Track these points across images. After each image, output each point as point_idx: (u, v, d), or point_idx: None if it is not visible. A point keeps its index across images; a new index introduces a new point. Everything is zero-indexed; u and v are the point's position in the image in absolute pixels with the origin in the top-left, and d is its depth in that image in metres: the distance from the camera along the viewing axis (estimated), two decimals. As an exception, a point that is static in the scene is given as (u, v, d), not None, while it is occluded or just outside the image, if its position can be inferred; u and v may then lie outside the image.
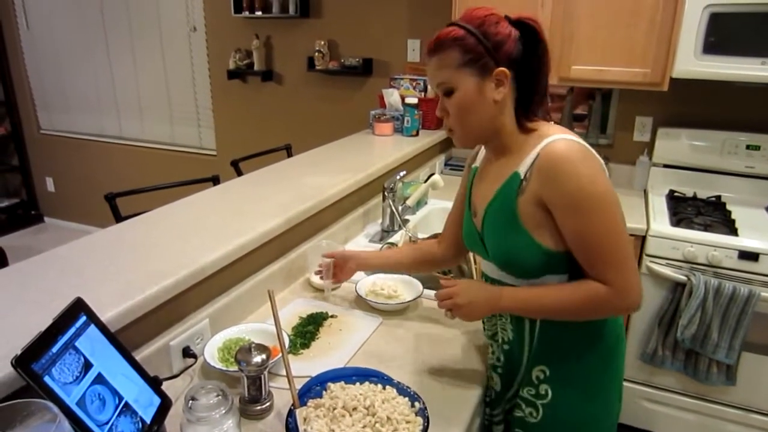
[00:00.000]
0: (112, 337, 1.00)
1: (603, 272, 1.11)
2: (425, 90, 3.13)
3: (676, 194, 2.76)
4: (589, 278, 1.14)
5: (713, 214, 2.49)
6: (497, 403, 1.41)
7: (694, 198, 2.72)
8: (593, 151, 1.13)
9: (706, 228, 2.33)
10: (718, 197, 2.71)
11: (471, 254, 2.10)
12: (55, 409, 0.72)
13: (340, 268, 1.65)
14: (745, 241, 2.23)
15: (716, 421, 2.45)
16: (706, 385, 2.38)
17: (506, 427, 1.42)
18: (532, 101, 1.19)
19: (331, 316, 1.59)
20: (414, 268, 1.68)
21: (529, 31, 1.15)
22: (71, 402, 0.82)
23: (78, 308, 0.94)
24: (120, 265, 1.35)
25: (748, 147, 2.65)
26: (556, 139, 1.12)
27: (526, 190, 1.15)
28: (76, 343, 0.89)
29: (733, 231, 2.31)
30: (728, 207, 2.59)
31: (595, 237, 1.10)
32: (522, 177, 1.16)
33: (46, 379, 0.80)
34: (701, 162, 2.75)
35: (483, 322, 1.45)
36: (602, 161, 1.14)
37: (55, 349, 0.84)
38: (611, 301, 1.13)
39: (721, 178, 2.75)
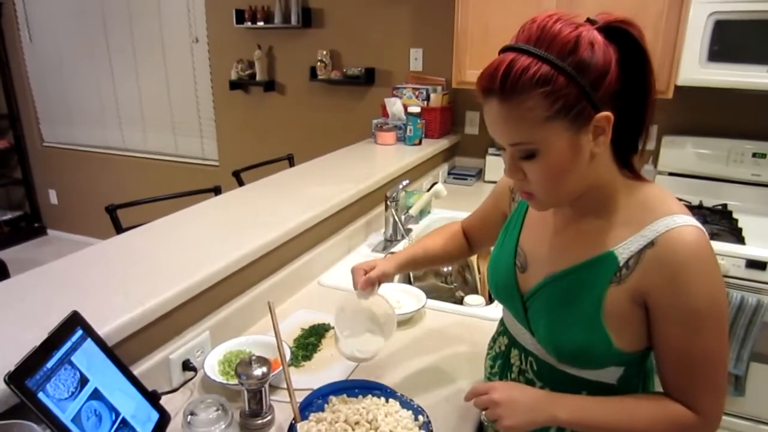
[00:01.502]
0: (110, 352, 0.98)
1: (696, 397, 0.90)
2: (428, 99, 3.13)
3: (682, 203, 2.73)
4: (667, 397, 0.93)
5: (720, 223, 2.47)
6: None
7: (700, 206, 2.69)
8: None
9: (713, 237, 2.31)
10: (725, 206, 2.69)
11: (475, 262, 2.09)
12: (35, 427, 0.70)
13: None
14: (753, 249, 2.21)
15: (725, 432, 2.41)
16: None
17: None
18: (636, 140, 0.91)
19: (333, 328, 1.57)
20: (448, 260, 1.44)
21: (626, 42, 0.84)
22: (66, 419, 0.80)
23: (74, 322, 0.92)
24: (119, 277, 1.33)
25: (754, 155, 2.63)
26: (682, 225, 0.86)
27: (626, 281, 0.89)
28: (72, 358, 0.87)
29: (740, 240, 2.29)
30: (735, 215, 2.56)
31: (703, 359, 0.88)
32: (622, 263, 0.89)
33: (41, 395, 0.78)
34: (707, 170, 2.73)
35: (486, 369, 1.25)
36: None
37: (50, 365, 0.82)
38: (694, 429, 0.91)
39: (727, 186, 2.73)
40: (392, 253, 2.05)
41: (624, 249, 0.89)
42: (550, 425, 0.95)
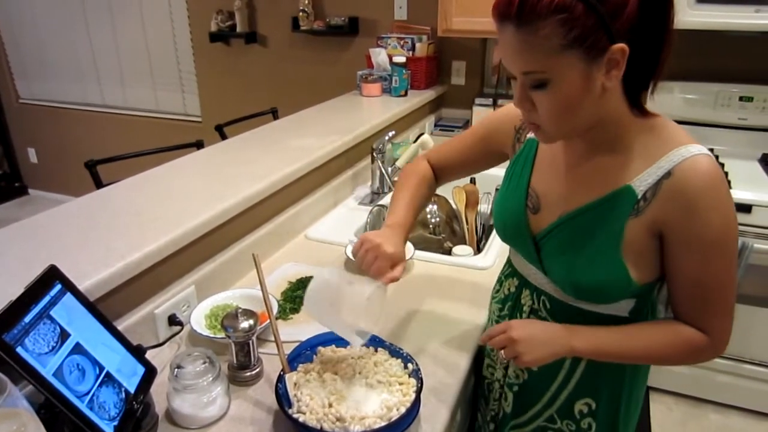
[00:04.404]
0: (91, 306, 0.96)
1: (707, 319, 0.94)
2: (413, 49, 3.06)
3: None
4: (679, 321, 0.97)
5: (706, 168, 2.46)
6: (502, 427, 1.25)
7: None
8: None
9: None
10: (711, 150, 2.66)
11: (463, 212, 2.08)
12: (5, 378, 0.68)
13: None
14: (738, 193, 2.20)
15: (708, 372, 2.47)
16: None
17: None
18: (651, 78, 0.89)
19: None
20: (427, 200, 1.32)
21: None
22: (47, 373, 0.79)
23: (52, 276, 0.90)
24: (100, 232, 1.30)
25: (741, 99, 2.61)
26: (696, 155, 0.86)
27: (645, 212, 0.90)
28: (51, 312, 0.85)
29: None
30: (721, 159, 2.55)
31: (715, 284, 0.91)
32: (640, 196, 0.90)
33: (19, 350, 0.76)
34: (694, 115, 2.70)
35: (493, 313, 1.26)
36: None
37: (28, 319, 0.80)
38: (706, 350, 0.95)
39: (714, 131, 2.71)
40: (380, 205, 2.04)
41: (641, 182, 0.90)
42: (568, 356, 1.01)
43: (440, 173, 1.31)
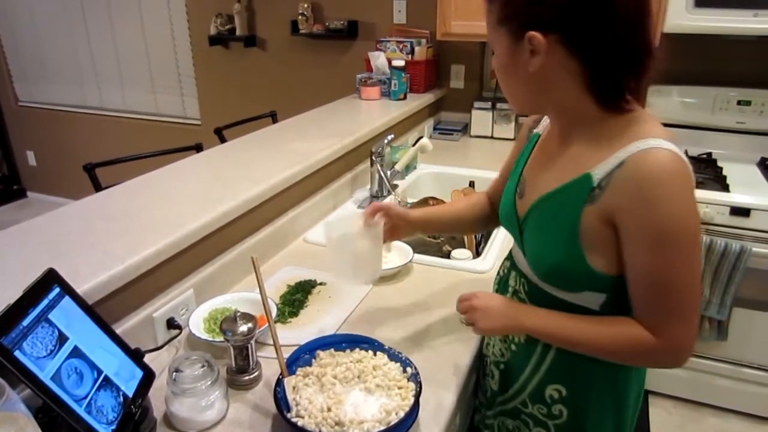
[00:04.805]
0: (89, 309, 0.96)
1: (662, 321, 0.92)
2: (412, 52, 3.06)
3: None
4: (632, 319, 0.96)
5: (705, 171, 2.46)
6: (491, 405, 1.30)
7: (686, 155, 2.68)
8: (690, 168, 0.88)
9: (698, 185, 2.31)
10: (709, 154, 2.68)
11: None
12: (3, 382, 0.68)
13: (392, 229, 1.29)
14: (737, 197, 2.21)
15: (708, 376, 2.47)
16: (699, 341, 2.38)
17: None
18: (612, 76, 0.90)
19: (320, 284, 1.56)
20: (469, 227, 1.50)
21: None
22: (45, 377, 0.78)
23: (50, 279, 0.90)
24: (99, 235, 1.30)
25: (739, 102, 2.61)
26: (654, 147, 0.86)
27: (598, 201, 0.91)
28: (50, 316, 0.85)
29: (724, 187, 2.29)
30: (719, 163, 2.56)
31: (670, 281, 0.89)
32: (596, 184, 0.92)
33: (17, 353, 0.76)
34: (692, 119, 2.71)
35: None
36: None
37: (26, 323, 0.80)
38: (658, 355, 0.95)
39: (712, 134, 2.72)
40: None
41: (599, 170, 0.92)
42: (518, 332, 1.11)
43: (494, 197, 1.35)
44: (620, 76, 0.90)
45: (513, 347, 1.18)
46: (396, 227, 1.28)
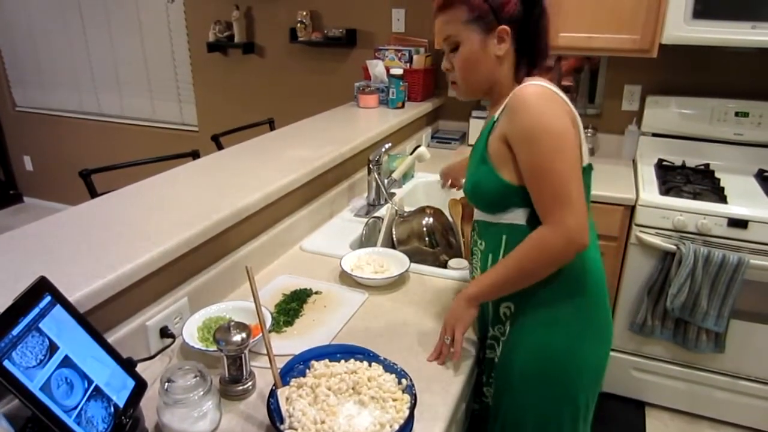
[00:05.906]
0: (81, 318, 0.95)
1: (548, 209, 1.15)
2: (410, 61, 3.07)
3: (665, 163, 2.72)
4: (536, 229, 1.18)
5: (702, 183, 2.47)
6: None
7: (683, 166, 2.69)
8: (564, 96, 1.19)
9: (696, 196, 2.31)
10: (707, 165, 2.69)
11: (459, 227, 2.07)
12: None
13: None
14: (734, 208, 2.21)
15: (705, 388, 2.45)
16: (696, 353, 2.38)
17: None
18: (531, 57, 1.26)
19: (316, 293, 1.55)
20: None
21: None
22: (35, 387, 0.77)
23: (42, 288, 0.88)
24: (91, 242, 1.29)
25: (737, 114, 2.61)
26: (528, 84, 1.18)
27: (495, 129, 1.23)
28: (40, 325, 0.84)
29: (722, 199, 2.29)
30: (717, 175, 2.56)
31: (544, 171, 1.13)
32: (495, 119, 1.24)
33: (6, 363, 0.75)
34: (690, 130, 2.71)
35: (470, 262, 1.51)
36: (573, 109, 1.20)
37: (16, 332, 0.79)
38: (554, 242, 1.14)
39: (710, 146, 2.72)
40: (375, 217, 2.03)
41: (498, 112, 1.24)
42: (471, 305, 1.26)
43: None
44: (533, 56, 1.26)
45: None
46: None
